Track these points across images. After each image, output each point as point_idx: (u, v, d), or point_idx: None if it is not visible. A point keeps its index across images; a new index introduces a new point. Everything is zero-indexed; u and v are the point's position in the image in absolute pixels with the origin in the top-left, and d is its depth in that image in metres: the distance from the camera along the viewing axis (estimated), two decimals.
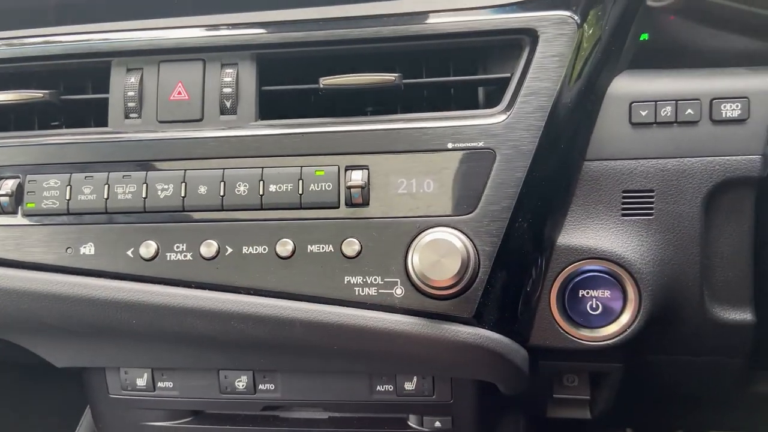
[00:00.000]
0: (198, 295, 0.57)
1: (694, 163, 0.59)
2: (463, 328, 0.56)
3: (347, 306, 0.57)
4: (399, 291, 0.56)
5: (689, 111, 0.59)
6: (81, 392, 0.86)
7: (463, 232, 0.55)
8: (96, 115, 0.64)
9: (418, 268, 0.53)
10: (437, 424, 0.69)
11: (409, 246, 0.56)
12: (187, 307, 0.57)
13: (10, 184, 0.60)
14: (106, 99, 0.63)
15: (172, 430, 0.74)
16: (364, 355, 0.61)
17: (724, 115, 0.59)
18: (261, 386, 0.70)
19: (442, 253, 0.53)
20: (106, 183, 0.59)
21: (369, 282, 0.56)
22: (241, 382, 0.70)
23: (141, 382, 0.71)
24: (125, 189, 0.59)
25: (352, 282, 0.57)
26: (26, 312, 0.60)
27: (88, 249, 0.59)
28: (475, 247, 0.55)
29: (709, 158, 0.59)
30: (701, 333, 0.65)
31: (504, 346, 0.58)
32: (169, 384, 0.71)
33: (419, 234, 0.55)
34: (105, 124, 0.62)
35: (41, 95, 0.62)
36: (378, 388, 0.68)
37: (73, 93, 0.64)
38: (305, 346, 0.59)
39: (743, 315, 0.63)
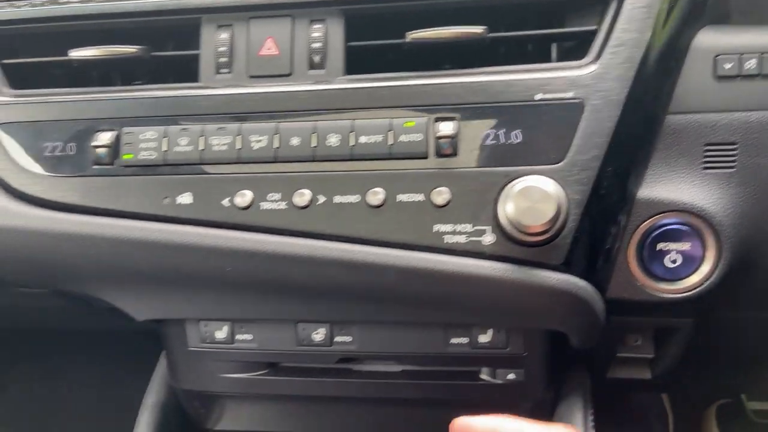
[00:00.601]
0: (295, 242, 0.59)
1: None
2: (553, 274, 0.57)
3: (437, 253, 0.58)
4: (489, 238, 0.58)
5: None
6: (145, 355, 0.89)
7: (553, 180, 0.56)
8: (179, 72, 0.66)
9: (512, 215, 0.55)
10: (510, 376, 0.71)
11: (498, 194, 0.57)
12: (283, 253, 0.59)
13: (107, 136, 0.62)
14: (192, 56, 0.64)
15: (247, 381, 0.76)
16: (448, 304, 0.62)
17: None
18: (337, 338, 0.72)
19: (536, 199, 0.54)
20: (201, 135, 0.61)
21: (458, 230, 0.58)
22: (318, 334, 0.72)
23: (220, 334, 0.74)
24: (220, 141, 0.61)
25: (441, 230, 0.58)
26: (122, 261, 0.63)
27: (185, 198, 0.61)
28: (565, 194, 0.56)
29: None
30: None
31: (589, 294, 0.59)
32: (248, 336, 0.73)
33: (509, 183, 0.57)
34: (189, 80, 0.64)
35: (133, 51, 0.64)
36: (453, 340, 0.70)
37: (155, 50, 0.66)
38: (395, 292, 0.61)
39: None
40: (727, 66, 0.60)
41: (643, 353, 0.79)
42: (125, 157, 0.62)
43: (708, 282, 0.62)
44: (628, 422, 1.23)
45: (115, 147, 0.62)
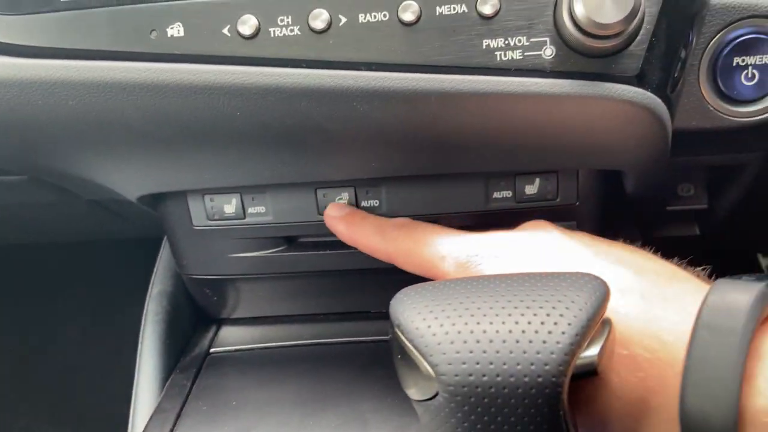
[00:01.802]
0: (314, 73, 0.49)
1: None
2: (627, 87, 0.48)
3: (488, 74, 0.49)
4: (549, 51, 0.48)
5: None
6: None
7: None
8: None
9: (582, 15, 0.45)
10: None
11: None
12: (302, 86, 0.49)
13: None
14: None
15: (263, 260, 0.68)
16: (496, 139, 0.54)
17: None
18: (364, 203, 0.64)
19: None
20: None
21: (512, 44, 0.48)
22: (342, 200, 0.64)
23: (229, 208, 0.65)
24: None
25: (492, 45, 0.49)
26: (107, 114, 0.52)
27: (176, 30, 0.50)
28: None
29: None
30: None
31: (665, 113, 0.51)
32: (261, 209, 0.65)
33: None
34: None
35: None
36: (495, 195, 0.62)
37: None
38: (437, 127, 0.52)
39: None
40: None
41: (696, 204, 0.72)
42: None
43: None
44: None
45: None
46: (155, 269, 0.75)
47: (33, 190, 0.74)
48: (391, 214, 0.64)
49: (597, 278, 0.36)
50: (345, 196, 0.64)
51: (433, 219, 0.64)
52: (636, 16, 0.45)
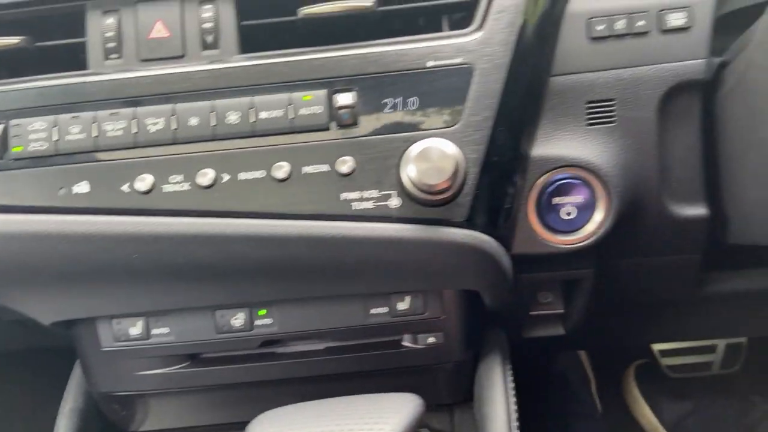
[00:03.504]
0: (200, 222, 0.59)
1: (648, 71, 0.65)
2: (458, 230, 0.60)
3: (345, 221, 0.59)
4: (395, 202, 0.59)
5: (640, 23, 0.65)
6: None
7: (450, 141, 0.58)
8: (66, 62, 0.64)
9: (414, 176, 0.57)
10: (431, 339, 0.73)
11: (401, 159, 0.59)
12: (190, 233, 0.59)
13: None
14: (82, 44, 0.63)
15: (168, 376, 0.74)
16: (361, 271, 0.64)
17: (670, 24, 0.65)
18: (257, 322, 0.72)
19: (435, 158, 0.56)
20: (94, 121, 0.59)
21: (365, 197, 0.59)
22: (238, 320, 0.71)
23: (135, 330, 0.72)
24: (114, 126, 0.59)
25: (348, 198, 0.60)
26: (20, 258, 0.60)
27: (81, 187, 0.59)
28: (462, 154, 0.58)
29: (660, 65, 0.65)
30: (662, 231, 0.71)
31: (494, 248, 0.62)
32: (165, 330, 0.72)
33: (410, 147, 0.59)
34: (77, 70, 0.62)
35: (16, 42, 0.61)
36: (372, 311, 0.71)
37: (39, 41, 0.64)
38: (309, 264, 0.61)
39: (697, 210, 0.70)
40: (599, 28, 0.65)
41: (553, 309, 0.83)
42: (15, 149, 0.59)
43: (602, 230, 0.67)
44: (553, 390, 1.29)
45: (2, 141, 0.59)
46: (68, 386, 0.79)
47: None
48: (283, 331, 0.72)
49: (415, 398, 0.45)
50: (241, 315, 0.72)
51: (319, 334, 0.73)
52: (457, 178, 0.57)
